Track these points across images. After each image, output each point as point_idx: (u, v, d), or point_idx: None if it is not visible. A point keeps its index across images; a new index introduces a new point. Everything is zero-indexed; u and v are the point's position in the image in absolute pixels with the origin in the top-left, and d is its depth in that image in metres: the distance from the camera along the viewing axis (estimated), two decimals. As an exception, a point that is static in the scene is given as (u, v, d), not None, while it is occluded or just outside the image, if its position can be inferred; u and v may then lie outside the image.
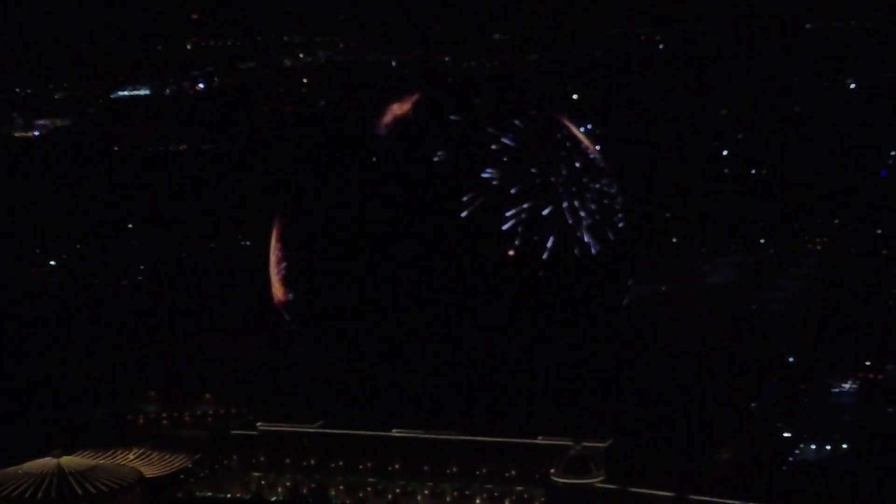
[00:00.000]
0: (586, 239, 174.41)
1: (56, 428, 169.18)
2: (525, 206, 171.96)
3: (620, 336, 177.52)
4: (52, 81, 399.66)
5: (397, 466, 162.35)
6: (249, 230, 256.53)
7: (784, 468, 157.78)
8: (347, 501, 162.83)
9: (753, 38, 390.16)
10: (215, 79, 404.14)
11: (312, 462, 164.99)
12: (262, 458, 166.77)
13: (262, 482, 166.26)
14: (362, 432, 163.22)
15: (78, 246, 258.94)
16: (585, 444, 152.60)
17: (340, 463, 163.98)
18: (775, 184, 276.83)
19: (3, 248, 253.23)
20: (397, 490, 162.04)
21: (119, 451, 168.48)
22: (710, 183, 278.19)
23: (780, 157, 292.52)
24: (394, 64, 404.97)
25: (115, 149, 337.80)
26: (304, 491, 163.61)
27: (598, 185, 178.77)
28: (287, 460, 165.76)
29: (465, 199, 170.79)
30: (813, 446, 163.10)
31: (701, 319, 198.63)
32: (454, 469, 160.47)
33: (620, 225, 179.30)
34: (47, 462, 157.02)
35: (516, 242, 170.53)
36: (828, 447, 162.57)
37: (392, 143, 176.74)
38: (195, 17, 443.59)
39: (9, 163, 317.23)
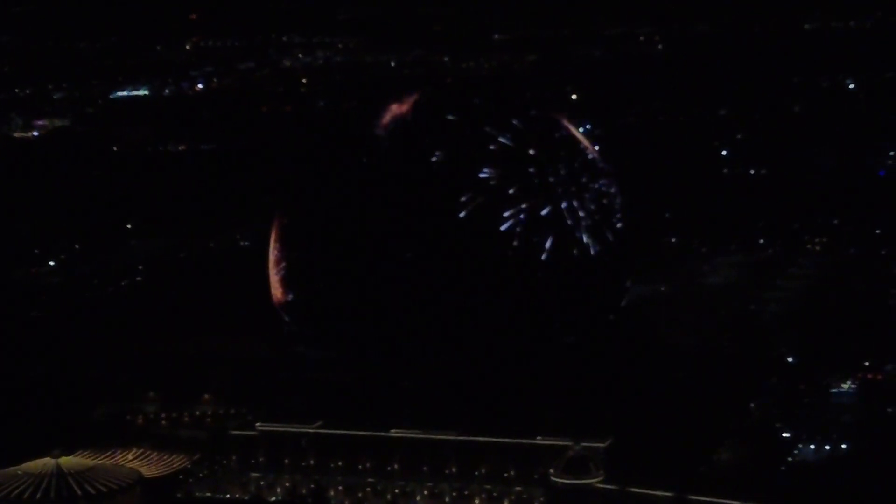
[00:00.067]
0: (585, 239, 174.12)
1: (55, 428, 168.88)
2: (524, 206, 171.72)
3: (620, 336, 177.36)
4: (51, 81, 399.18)
5: (396, 467, 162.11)
6: (248, 230, 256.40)
7: (783, 468, 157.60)
8: (346, 502, 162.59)
9: (753, 38, 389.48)
10: (214, 79, 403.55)
11: (311, 462, 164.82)
12: (261, 459, 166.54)
13: (261, 482, 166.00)
14: (361, 432, 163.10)
15: (77, 246, 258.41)
16: (585, 444, 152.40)
17: (339, 463, 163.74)
18: (775, 184, 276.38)
19: (3, 248, 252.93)
20: (396, 490, 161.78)
21: (118, 452, 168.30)
22: (710, 183, 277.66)
23: (779, 157, 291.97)
24: (393, 64, 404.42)
25: (115, 149, 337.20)
26: (303, 491, 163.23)
27: (597, 186, 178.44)
28: (286, 461, 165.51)
29: (463, 199, 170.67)
30: (812, 446, 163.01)
31: (700, 320, 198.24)
32: (453, 469, 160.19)
33: (619, 225, 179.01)
34: (46, 462, 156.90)
35: (515, 243, 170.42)
36: (827, 447, 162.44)
37: (391, 144, 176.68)
38: (194, 17, 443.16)
39: (8, 163, 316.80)
